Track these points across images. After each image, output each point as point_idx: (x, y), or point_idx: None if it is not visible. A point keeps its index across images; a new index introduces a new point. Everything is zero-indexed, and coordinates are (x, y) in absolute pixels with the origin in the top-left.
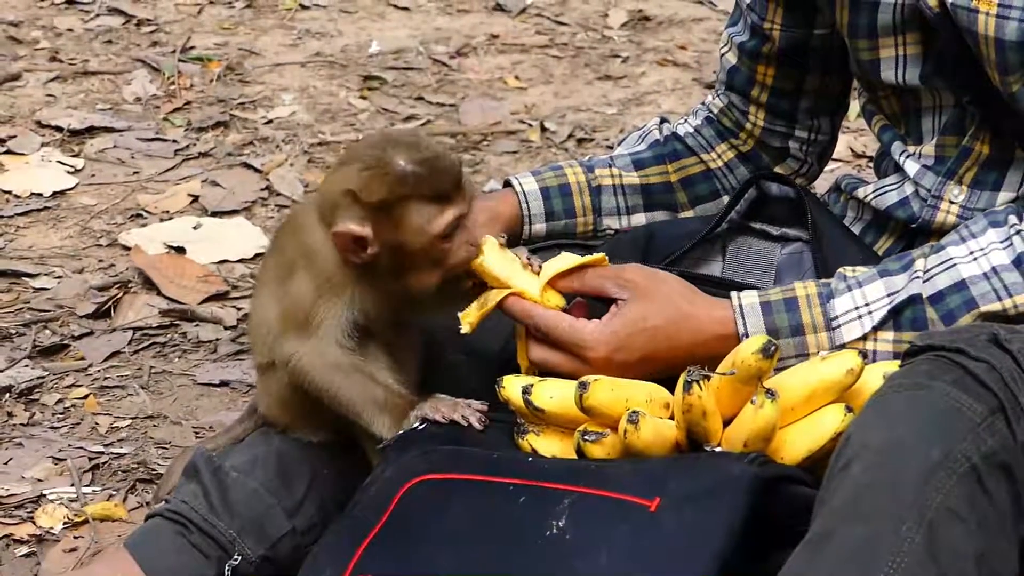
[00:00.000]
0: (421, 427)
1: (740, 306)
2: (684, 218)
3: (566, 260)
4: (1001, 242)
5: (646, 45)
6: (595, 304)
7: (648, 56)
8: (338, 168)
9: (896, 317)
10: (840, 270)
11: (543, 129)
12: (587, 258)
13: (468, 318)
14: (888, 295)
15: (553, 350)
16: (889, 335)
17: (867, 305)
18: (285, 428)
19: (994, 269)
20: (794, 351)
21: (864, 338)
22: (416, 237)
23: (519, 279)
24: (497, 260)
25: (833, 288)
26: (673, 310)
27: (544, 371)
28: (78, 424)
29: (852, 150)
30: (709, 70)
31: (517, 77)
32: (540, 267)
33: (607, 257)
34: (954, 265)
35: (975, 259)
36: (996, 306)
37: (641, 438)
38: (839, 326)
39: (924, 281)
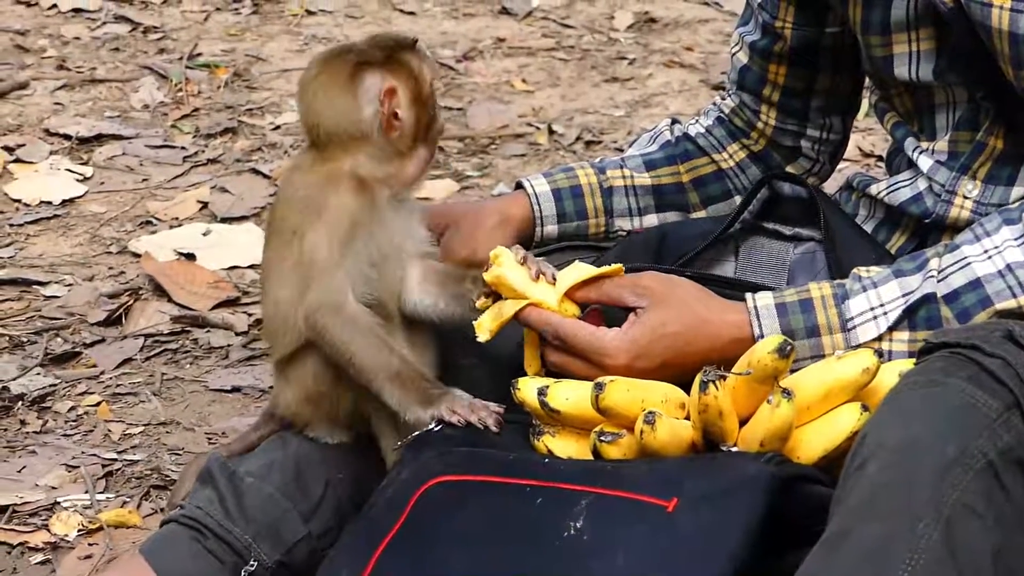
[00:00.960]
0: (437, 428)
1: (755, 308)
2: (696, 219)
3: (581, 270)
4: (1016, 239)
5: (653, 47)
6: (610, 312)
7: (655, 58)
8: (318, 77)
9: (911, 317)
10: (855, 270)
11: (551, 132)
12: (604, 269)
13: (484, 327)
14: (903, 295)
15: (572, 358)
16: (904, 335)
17: (882, 305)
18: (304, 426)
19: (1009, 267)
20: (809, 352)
21: (879, 339)
22: (422, 82)
23: (535, 290)
24: (513, 272)
25: (848, 289)
26: (691, 316)
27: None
28: (91, 431)
29: (860, 149)
30: (716, 71)
31: (524, 80)
32: (554, 277)
33: (623, 266)
34: (968, 264)
35: (989, 257)
36: (1011, 303)
37: (657, 438)
38: (854, 327)
39: (939, 280)
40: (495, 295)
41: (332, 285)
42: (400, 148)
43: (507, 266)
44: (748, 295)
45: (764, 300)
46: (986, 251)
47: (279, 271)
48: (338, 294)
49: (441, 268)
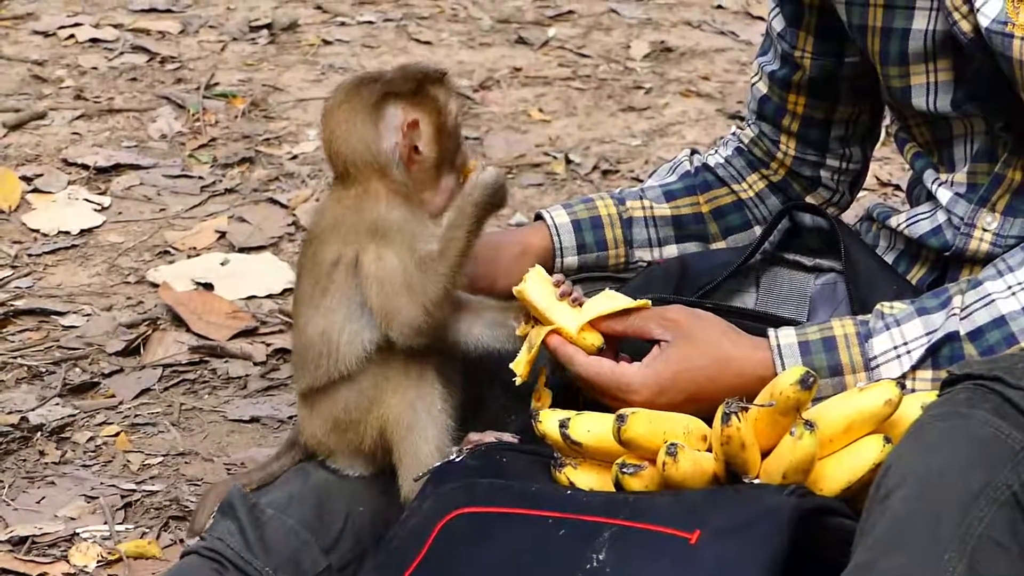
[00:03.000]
0: (459, 459)
1: (779, 346)
2: (717, 249)
3: (609, 300)
4: None
5: (669, 76)
6: (634, 344)
7: (671, 87)
8: (342, 105)
9: (934, 356)
10: (878, 307)
11: (568, 161)
12: (631, 303)
13: (519, 368)
14: (926, 334)
15: (595, 393)
16: (928, 374)
17: (905, 344)
18: (326, 456)
19: None
20: (832, 391)
21: (903, 377)
22: (449, 115)
23: (558, 312)
24: (538, 289)
25: (871, 327)
26: (716, 351)
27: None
28: (110, 462)
29: (878, 178)
30: (732, 100)
31: (541, 110)
32: (576, 299)
33: (649, 301)
34: (992, 300)
35: (1013, 294)
36: None
37: (680, 470)
38: (877, 366)
39: (962, 318)
40: (535, 321)
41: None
42: (422, 180)
43: (532, 282)
44: (771, 332)
45: (787, 338)
46: (1010, 287)
47: (315, 303)
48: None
49: (475, 298)
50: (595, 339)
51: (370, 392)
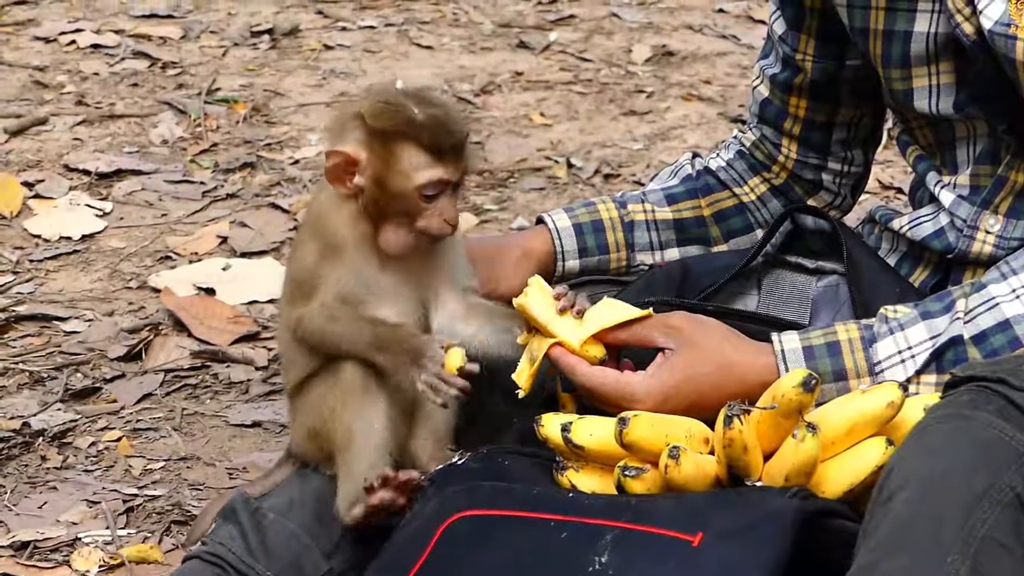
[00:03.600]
0: (460, 462)
1: (782, 351)
2: (719, 252)
3: (611, 310)
4: None
5: (670, 80)
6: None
7: (672, 91)
8: (357, 100)
9: (938, 360)
10: (881, 311)
11: (569, 165)
12: (634, 314)
13: (522, 379)
14: (930, 338)
15: (598, 403)
16: (932, 378)
17: (909, 348)
18: (314, 463)
19: None
20: (836, 395)
21: (907, 382)
22: (399, 179)
23: (559, 325)
24: (538, 302)
25: (875, 331)
26: (720, 357)
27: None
28: (112, 467)
29: (880, 181)
30: (734, 104)
31: (542, 114)
32: (580, 312)
33: (652, 311)
34: (997, 304)
35: (1017, 297)
36: None
37: (682, 473)
38: (882, 371)
39: (966, 322)
40: (536, 331)
41: (317, 297)
42: (363, 206)
43: (533, 295)
44: (774, 337)
45: (791, 343)
46: (1014, 290)
47: (283, 298)
48: (323, 299)
49: (485, 303)
50: (597, 351)
51: (330, 401)
